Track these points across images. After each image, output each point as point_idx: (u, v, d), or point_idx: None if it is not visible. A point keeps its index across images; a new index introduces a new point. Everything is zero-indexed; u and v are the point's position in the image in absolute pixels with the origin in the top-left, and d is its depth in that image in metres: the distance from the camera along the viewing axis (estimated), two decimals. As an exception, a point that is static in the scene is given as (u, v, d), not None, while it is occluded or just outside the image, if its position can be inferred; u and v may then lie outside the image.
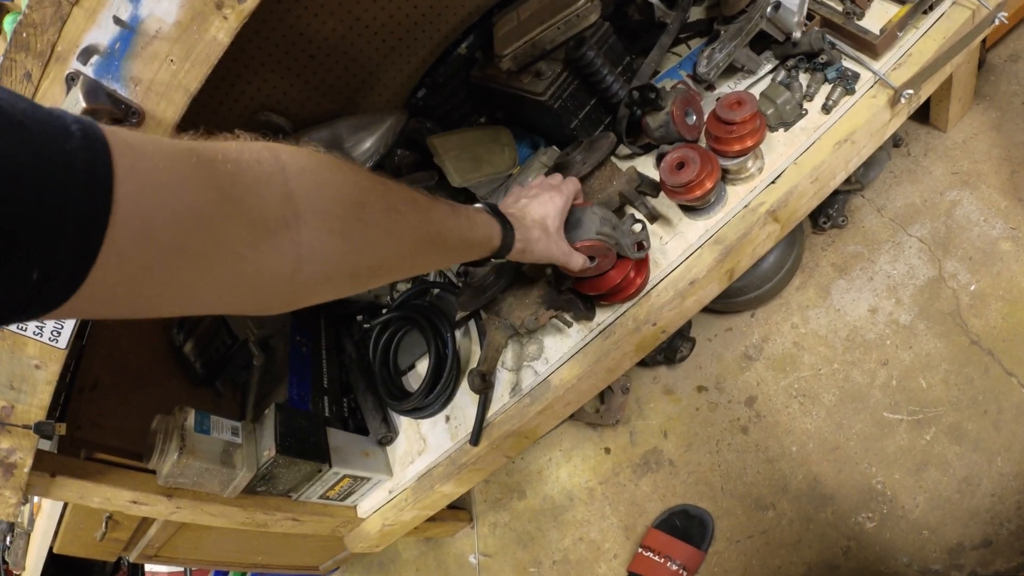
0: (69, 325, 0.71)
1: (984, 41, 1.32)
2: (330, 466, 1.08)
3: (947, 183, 1.27)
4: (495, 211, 0.79)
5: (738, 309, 1.31)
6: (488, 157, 1.20)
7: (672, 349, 1.28)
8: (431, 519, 1.29)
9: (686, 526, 1.20)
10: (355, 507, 1.23)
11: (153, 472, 0.97)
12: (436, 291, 1.22)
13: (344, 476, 1.13)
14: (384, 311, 1.25)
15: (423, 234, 0.61)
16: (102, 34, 0.55)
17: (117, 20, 0.54)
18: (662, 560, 1.19)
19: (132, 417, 1.04)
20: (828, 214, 1.28)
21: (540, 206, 0.86)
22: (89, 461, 0.95)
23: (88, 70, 0.56)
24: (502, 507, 1.42)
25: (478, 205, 0.79)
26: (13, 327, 0.68)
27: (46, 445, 0.89)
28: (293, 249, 0.44)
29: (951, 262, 1.21)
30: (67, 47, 0.56)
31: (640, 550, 1.22)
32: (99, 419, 1.01)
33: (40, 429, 0.75)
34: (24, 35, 0.54)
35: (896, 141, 1.32)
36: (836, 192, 1.27)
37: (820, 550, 1.12)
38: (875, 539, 1.09)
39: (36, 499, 1.26)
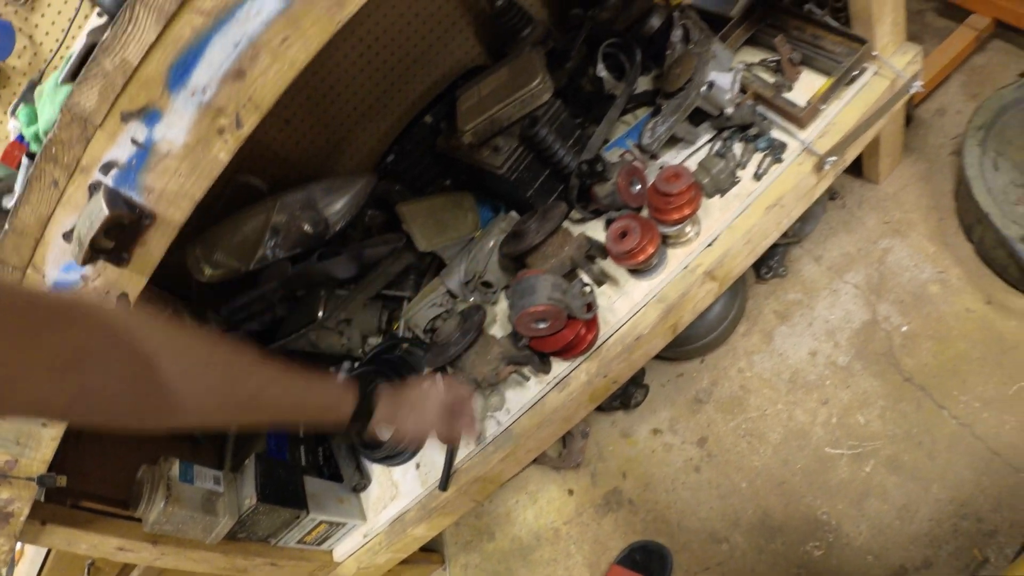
0: None
1: (912, 98, 1.49)
2: (307, 512, 1.20)
3: (880, 232, 1.43)
4: (362, 382, 0.83)
5: (688, 356, 1.46)
6: (452, 222, 1.34)
7: (627, 396, 1.42)
8: (404, 561, 1.40)
9: (646, 561, 1.33)
10: (331, 551, 1.34)
11: (137, 520, 1.07)
12: (405, 345, 1.35)
13: (321, 522, 1.24)
14: (356, 364, 1.38)
15: (234, 396, 0.65)
16: (121, 152, 0.68)
17: (134, 141, 0.67)
18: (624, 595, 1.31)
19: (115, 466, 1.14)
20: (769, 265, 1.43)
21: (422, 394, 0.91)
22: (77, 509, 1.04)
23: (108, 180, 0.69)
24: (473, 549, 1.54)
25: (341, 374, 0.86)
26: None
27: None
28: (74, 391, 0.51)
29: (884, 306, 1.36)
30: (90, 161, 0.69)
31: (603, 586, 1.34)
32: (84, 468, 1.11)
33: (43, 481, 0.86)
34: (53, 150, 0.67)
35: (832, 195, 1.49)
36: (776, 245, 1.43)
37: (772, 580, 1.25)
38: (823, 566, 1.21)
39: (19, 545, 1.35)
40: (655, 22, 1.40)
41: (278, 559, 1.25)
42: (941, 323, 1.30)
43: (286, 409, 0.72)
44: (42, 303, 0.50)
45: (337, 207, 1.38)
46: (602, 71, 1.35)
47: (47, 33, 1.03)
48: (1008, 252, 1.21)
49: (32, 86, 0.93)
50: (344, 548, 1.33)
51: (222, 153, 0.70)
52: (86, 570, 1.23)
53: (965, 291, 1.31)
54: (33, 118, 0.81)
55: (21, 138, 0.84)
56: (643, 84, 1.41)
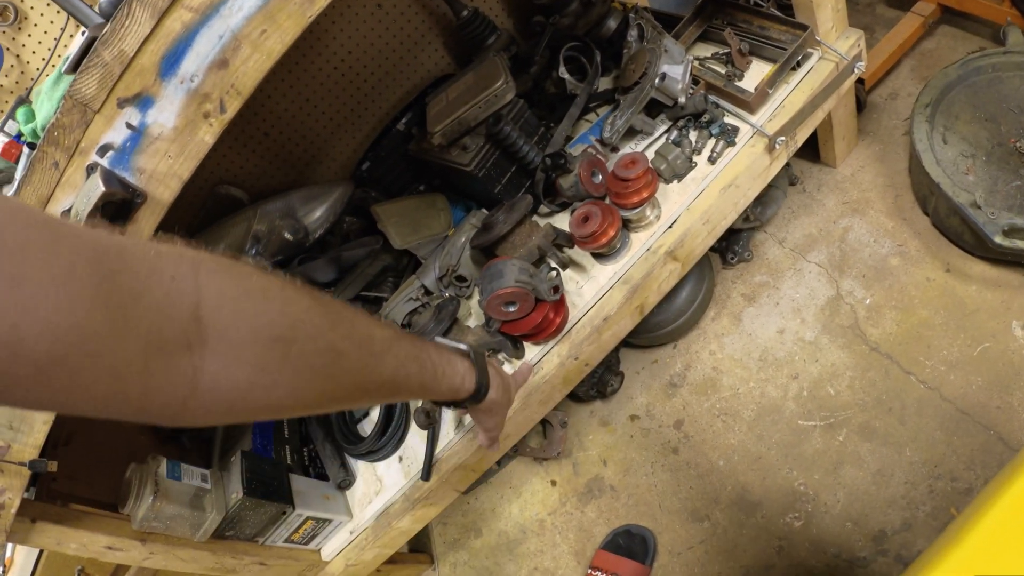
0: None
1: (864, 84, 1.59)
2: (294, 508, 1.25)
3: (839, 212, 1.51)
4: (479, 360, 0.81)
5: (661, 342, 1.53)
6: (426, 221, 1.42)
7: (603, 383, 1.48)
8: (394, 561, 1.45)
9: (629, 544, 1.38)
10: (319, 550, 1.38)
11: (127, 520, 1.13)
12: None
13: (307, 518, 1.29)
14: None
15: (367, 378, 0.60)
16: (116, 135, 0.76)
17: (129, 125, 0.75)
18: (610, 579, 1.36)
19: (104, 470, 1.18)
20: (735, 251, 1.51)
21: (511, 381, 0.92)
22: (66, 508, 1.08)
23: (104, 162, 0.77)
24: (460, 546, 1.59)
25: (462, 348, 0.81)
26: None
27: (27, 493, 1.04)
28: (191, 374, 0.43)
29: (847, 281, 1.44)
30: (88, 144, 0.76)
31: (590, 571, 1.38)
32: (73, 472, 1.16)
33: (34, 466, 0.91)
34: (56, 133, 0.75)
35: (792, 180, 1.57)
36: (739, 231, 1.51)
37: (755, 553, 1.29)
38: (804, 536, 1.26)
39: (8, 554, 1.39)
40: (612, 24, 1.50)
41: (266, 558, 1.30)
42: (903, 293, 1.37)
43: (415, 390, 0.70)
44: (143, 257, 0.42)
45: (316, 215, 1.46)
46: (564, 73, 1.44)
47: (34, 52, 1.12)
48: (961, 219, 1.29)
49: (20, 103, 1.02)
50: (332, 546, 1.37)
51: (208, 136, 0.78)
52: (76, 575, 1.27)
53: (924, 261, 1.38)
54: (31, 116, 0.90)
55: (18, 137, 0.92)
56: (604, 84, 1.51)
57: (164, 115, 0.76)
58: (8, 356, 0.34)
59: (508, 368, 1.28)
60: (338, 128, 1.60)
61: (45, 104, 0.85)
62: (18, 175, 0.84)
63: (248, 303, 0.47)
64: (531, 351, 1.27)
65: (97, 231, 0.40)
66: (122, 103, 0.73)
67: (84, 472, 1.20)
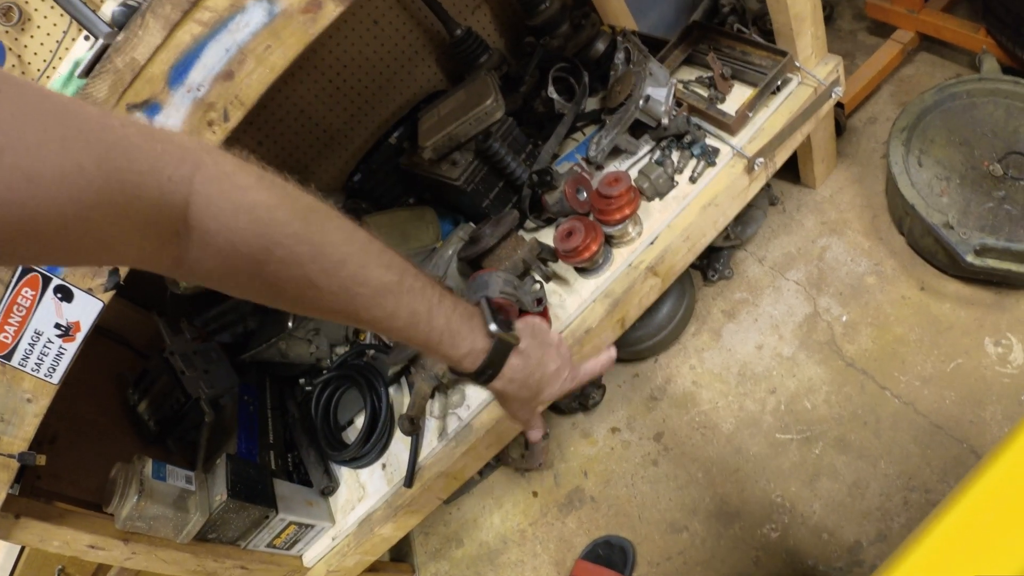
0: (65, 361, 0.91)
1: (843, 108, 1.65)
2: (277, 512, 1.27)
3: (818, 232, 1.56)
4: (498, 345, 0.72)
5: (642, 356, 1.56)
6: (415, 233, 1.47)
7: (585, 396, 1.52)
8: (375, 570, 1.47)
9: (608, 555, 1.40)
10: (301, 556, 1.40)
11: (111, 519, 1.14)
12: (372, 352, 1.45)
13: (290, 523, 1.31)
14: (325, 371, 1.48)
15: (344, 314, 0.61)
16: None
17: None
18: (589, 588, 1.38)
19: (88, 471, 1.20)
20: (716, 268, 1.56)
21: (554, 373, 0.81)
22: (50, 505, 1.09)
23: None
24: (442, 556, 1.61)
25: (492, 328, 0.72)
26: (14, 362, 0.89)
27: (11, 489, 1.03)
28: (176, 256, 0.51)
29: (824, 298, 1.48)
30: None
31: (569, 582, 1.41)
32: (58, 471, 1.17)
33: (23, 458, 0.93)
34: None
35: (772, 200, 1.62)
36: (720, 249, 1.55)
37: (733, 563, 1.32)
38: (781, 547, 1.29)
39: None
40: (600, 46, 1.55)
41: (248, 562, 1.31)
42: (879, 311, 1.42)
43: (403, 340, 0.67)
44: (148, 152, 0.47)
45: (306, 225, 1.49)
46: (553, 93, 1.49)
47: (35, 54, 1.15)
48: (935, 239, 1.33)
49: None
50: (313, 552, 1.39)
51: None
52: (57, 575, 1.28)
53: (900, 280, 1.43)
54: None
55: None
56: (591, 104, 1.55)
57: (170, 121, 0.80)
58: (23, 221, 0.39)
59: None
60: (331, 140, 1.65)
61: None
62: None
63: (231, 217, 0.51)
64: (514, 361, 1.30)
65: (109, 120, 0.45)
66: (131, 108, 0.78)
67: (69, 471, 1.21)
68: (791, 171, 1.61)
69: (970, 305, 1.36)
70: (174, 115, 0.80)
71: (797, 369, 1.43)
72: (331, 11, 0.79)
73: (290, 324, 1.46)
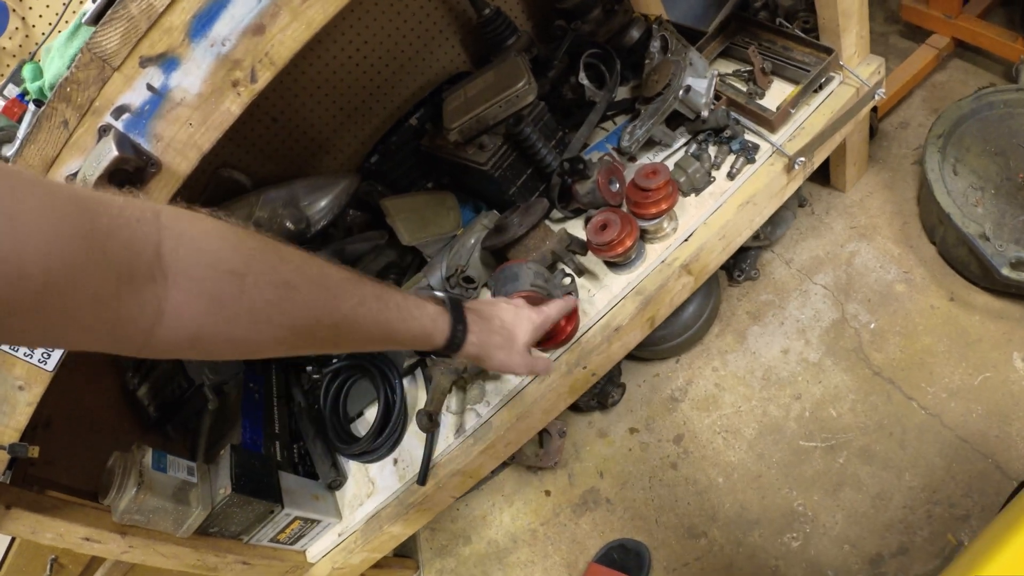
0: (59, 350, 0.82)
1: (876, 112, 1.59)
2: (282, 507, 1.19)
3: (847, 236, 1.50)
4: (454, 306, 0.78)
5: (664, 356, 1.50)
6: (435, 219, 1.38)
7: (604, 395, 1.45)
8: (378, 566, 1.39)
9: (623, 559, 1.34)
10: (305, 551, 1.32)
11: (107, 511, 1.06)
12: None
13: (295, 518, 1.23)
14: (334, 360, 1.39)
15: (324, 314, 0.60)
16: (135, 96, 0.70)
17: (150, 87, 0.68)
18: (602, 594, 1.32)
19: (84, 457, 1.12)
20: (742, 268, 1.49)
21: (514, 316, 0.86)
22: (43, 495, 1.02)
23: (119, 124, 0.70)
24: (448, 553, 1.54)
25: (437, 294, 0.79)
26: (5, 347, 0.80)
27: (2, 477, 0.96)
28: (155, 304, 0.48)
29: (852, 305, 1.42)
30: (104, 104, 0.70)
31: (581, 585, 1.35)
32: (52, 457, 1.09)
33: (14, 450, 0.84)
34: (68, 89, 0.68)
35: (801, 202, 1.56)
36: (748, 249, 1.49)
37: (751, 572, 1.26)
38: (801, 557, 1.24)
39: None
40: (635, 33, 1.47)
41: (250, 557, 1.23)
42: (907, 320, 1.36)
43: (376, 337, 0.68)
44: (111, 204, 0.47)
45: (320, 206, 1.40)
46: (584, 79, 1.41)
47: (40, 16, 1.05)
48: (968, 249, 1.28)
49: (23, 66, 0.95)
50: (318, 548, 1.31)
51: (234, 106, 0.72)
52: (49, 566, 1.19)
53: (929, 289, 1.38)
54: (38, 74, 0.83)
55: (22, 96, 0.85)
56: (622, 93, 1.48)
57: (189, 79, 0.70)
58: (10, 281, 0.38)
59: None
60: (348, 119, 1.55)
61: (56, 61, 0.78)
62: (21, 133, 0.76)
63: (204, 242, 0.51)
64: (539, 357, 1.22)
65: (72, 185, 0.47)
66: (144, 62, 0.67)
67: (63, 457, 1.13)
68: (821, 173, 1.55)
69: (1000, 319, 1.31)
70: (194, 72, 0.70)
71: (823, 375, 1.37)
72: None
73: (300, 309, 1.37)
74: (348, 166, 1.58)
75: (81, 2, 1.03)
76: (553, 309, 0.95)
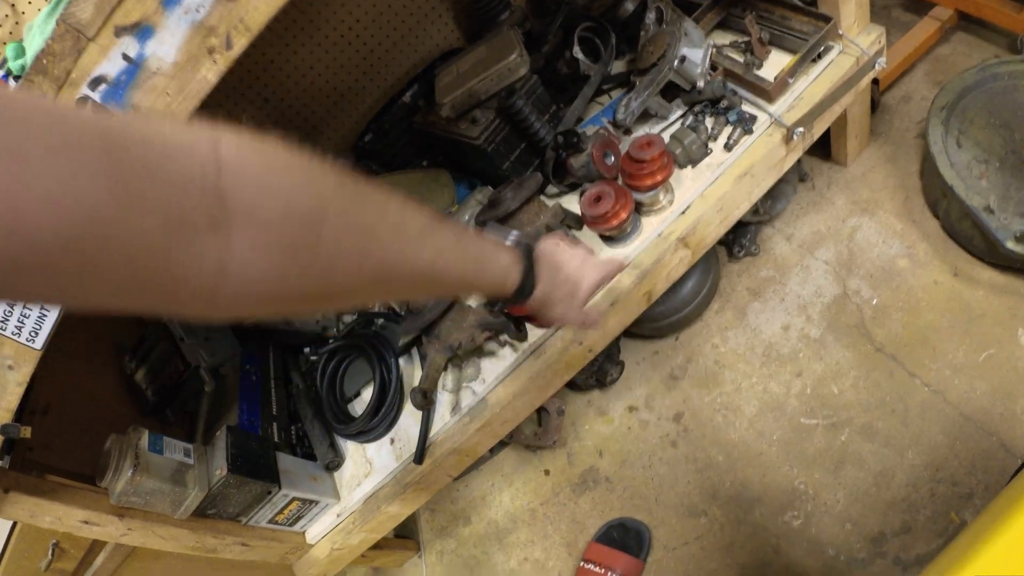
0: (48, 325, 0.81)
1: (878, 85, 1.56)
2: (279, 488, 1.19)
3: (848, 211, 1.48)
4: (527, 255, 0.74)
5: (663, 333, 1.48)
6: (429, 196, 1.37)
7: (603, 373, 1.44)
8: (379, 547, 1.39)
9: (624, 538, 1.34)
10: (304, 532, 1.32)
11: (105, 494, 1.06)
12: (380, 321, 1.36)
13: (293, 499, 1.23)
14: (331, 340, 1.38)
15: (404, 265, 0.54)
16: (111, 67, 0.69)
17: (125, 56, 0.67)
18: (603, 571, 1.31)
19: (82, 442, 1.12)
20: (742, 244, 1.47)
21: (580, 265, 0.83)
22: (42, 479, 1.02)
23: (96, 96, 0.69)
24: (448, 534, 1.53)
25: (510, 239, 0.75)
26: None
27: (1, 461, 0.97)
28: (218, 258, 0.39)
29: (854, 280, 1.41)
30: (80, 75, 0.68)
31: (582, 563, 1.34)
32: (50, 442, 1.09)
33: (6, 431, 0.84)
34: (44, 61, 0.67)
35: (802, 176, 1.54)
36: (747, 224, 1.47)
37: (752, 550, 1.26)
38: (802, 535, 1.23)
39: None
40: (629, 6, 1.45)
41: (249, 539, 1.23)
42: (910, 295, 1.35)
43: (450, 288, 0.66)
44: (152, 134, 0.37)
45: (313, 186, 1.39)
46: (578, 53, 1.39)
47: (30, 2, 1.04)
48: (972, 222, 1.26)
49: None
50: (317, 529, 1.31)
51: (210, 74, 0.71)
52: (51, 550, 1.20)
53: (932, 264, 1.36)
54: (20, 52, 0.82)
55: (5, 76, 0.84)
56: (617, 68, 1.46)
57: (164, 48, 0.68)
58: (9, 242, 0.30)
59: (508, 349, 1.23)
60: (341, 98, 1.54)
61: (36, 38, 0.77)
62: None
63: (274, 178, 0.42)
64: (535, 334, 1.22)
65: (98, 111, 0.37)
66: (119, 32, 0.66)
67: (61, 442, 1.13)
68: (822, 147, 1.53)
69: (1004, 294, 1.29)
70: (169, 40, 0.68)
71: (824, 352, 1.36)
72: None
73: (295, 290, 1.36)
74: (342, 146, 1.57)
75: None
76: (614, 266, 0.90)
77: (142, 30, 0.67)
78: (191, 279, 0.38)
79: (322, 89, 1.50)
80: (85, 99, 0.68)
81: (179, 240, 0.37)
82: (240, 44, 0.70)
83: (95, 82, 0.68)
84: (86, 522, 1.06)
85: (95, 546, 1.27)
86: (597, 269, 0.84)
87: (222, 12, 0.68)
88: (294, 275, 0.44)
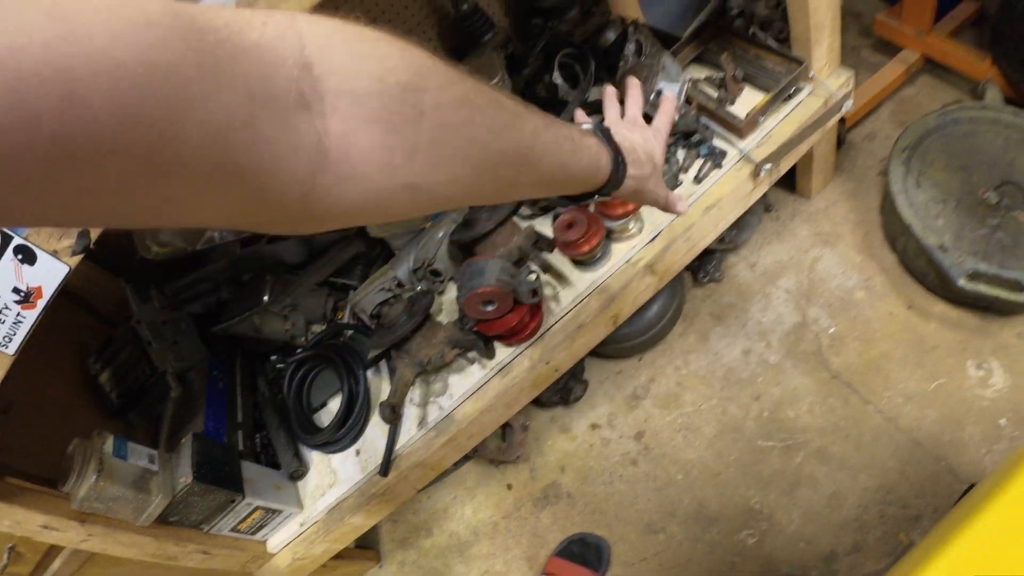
0: (22, 332, 0.82)
1: (844, 123, 1.63)
2: (244, 496, 1.20)
3: (810, 243, 1.55)
4: (606, 135, 0.68)
5: (627, 354, 1.53)
6: (405, 209, 1.39)
7: (567, 390, 1.48)
8: (340, 557, 1.41)
9: (583, 552, 1.37)
10: (265, 541, 1.33)
11: (67, 498, 1.06)
12: (350, 332, 1.38)
13: (256, 508, 1.24)
14: (300, 349, 1.40)
15: (510, 145, 0.49)
16: None
17: None
18: (562, 586, 1.35)
19: (44, 444, 1.11)
20: (707, 270, 1.53)
21: (646, 139, 0.76)
22: (1, 482, 1.01)
23: None
24: (409, 545, 1.56)
25: (585, 124, 0.69)
26: None
27: None
28: (315, 139, 0.34)
29: (813, 309, 1.47)
30: None
31: (541, 577, 1.38)
32: (10, 444, 1.08)
33: None
34: None
35: (767, 207, 1.60)
36: (713, 251, 1.52)
37: (709, 567, 1.31)
38: (758, 553, 1.29)
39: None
40: (610, 35, 1.49)
41: (210, 547, 1.24)
42: (866, 325, 1.41)
43: (553, 174, 0.57)
44: (220, 12, 0.31)
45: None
46: (558, 78, 1.43)
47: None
48: (928, 260, 1.33)
49: None
50: (279, 538, 1.33)
51: None
52: (6, 554, 1.19)
53: (888, 297, 1.43)
54: None
55: None
56: (595, 94, 1.50)
57: None
58: (65, 115, 0.23)
59: (477, 366, 1.26)
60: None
61: None
62: None
63: (363, 45, 0.38)
64: (503, 352, 1.25)
65: None
66: None
67: (23, 444, 1.12)
68: (788, 179, 1.59)
69: (956, 327, 1.36)
70: None
71: (782, 377, 1.41)
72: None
73: (266, 297, 1.38)
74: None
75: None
76: (665, 125, 0.82)
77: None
78: (285, 163, 0.33)
79: None
80: None
81: (269, 116, 0.32)
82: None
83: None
84: (46, 527, 1.05)
85: (52, 551, 1.26)
86: (659, 139, 0.79)
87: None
88: (400, 156, 0.39)
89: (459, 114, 0.42)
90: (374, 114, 0.36)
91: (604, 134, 0.67)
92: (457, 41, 1.59)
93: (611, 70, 1.47)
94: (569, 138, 0.58)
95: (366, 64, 0.37)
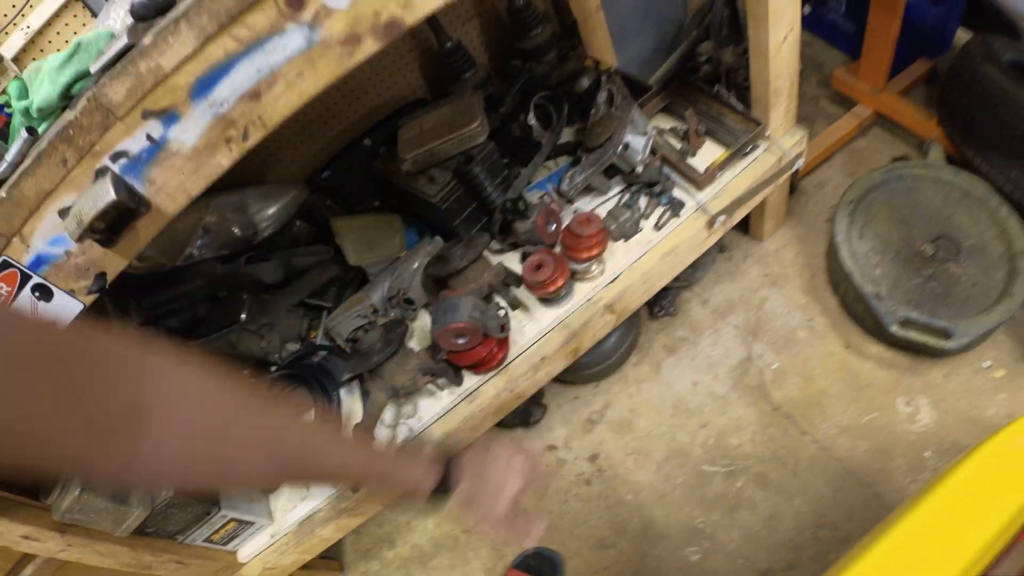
0: None
1: (797, 172, 1.76)
2: (219, 508, 1.27)
3: (760, 283, 1.68)
4: (443, 466, 0.80)
5: (585, 381, 1.65)
6: (382, 241, 1.48)
7: (527, 414, 1.59)
8: (305, 567, 1.48)
9: (539, 566, 1.48)
10: (236, 552, 1.40)
11: (46, 509, 1.10)
12: (323, 353, 1.46)
13: (231, 519, 1.31)
14: (274, 368, 1.47)
15: (299, 473, 0.68)
16: (134, 144, 0.77)
17: (149, 137, 0.76)
18: (518, 597, 1.46)
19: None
20: (662, 305, 1.65)
21: (502, 476, 0.85)
22: None
23: (116, 167, 0.77)
24: (372, 556, 1.65)
25: (428, 447, 0.82)
26: None
27: None
28: (128, 453, 0.49)
29: (759, 345, 1.60)
30: (103, 148, 0.76)
31: (497, 590, 1.48)
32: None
33: None
34: (71, 132, 0.74)
35: (721, 248, 1.72)
36: (668, 287, 1.64)
37: (655, 582, 1.42)
38: (700, 569, 1.41)
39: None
40: (585, 82, 1.58)
41: (184, 557, 1.30)
42: (807, 362, 1.55)
43: (360, 486, 0.78)
44: (91, 352, 0.48)
45: (268, 213, 1.47)
46: (532, 119, 1.52)
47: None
48: (865, 306, 1.46)
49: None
50: (249, 549, 1.39)
51: (225, 160, 0.80)
52: (-23, 562, 1.23)
53: (829, 337, 1.56)
54: (23, 93, 0.87)
55: (2, 108, 0.89)
56: (567, 135, 1.60)
57: (187, 134, 0.77)
58: None
59: (446, 392, 1.35)
60: (302, 131, 1.61)
61: (46, 84, 0.82)
62: (10, 157, 0.82)
63: (184, 403, 0.53)
64: (471, 380, 1.35)
65: (54, 327, 0.48)
66: (147, 115, 0.74)
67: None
68: (742, 222, 1.71)
69: (889, 367, 1.50)
70: (191, 128, 0.77)
71: (728, 408, 1.54)
72: (369, 47, 0.78)
73: (243, 316, 1.44)
74: (299, 176, 1.64)
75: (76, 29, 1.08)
76: (537, 473, 0.92)
77: (169, 116, 0.76)
78: (103, 467, 0.49)
79: (284, 121, 1.57)
80: (104, 169, 0.76)
81: (98, 442, 0.47)
82: (255, 137, 0.79)
83: (117, 156, 0.76)
84: (26, 537, 1.09)
85: (25, 559, 1.31)
86: (520, 476, 0.87)
87: (244, 109, 0.77)
88: (199, 466, 0.55)
89: (262, 442, 0.59)
90: (178, 448, 0.53)
91: (443, 464, 0.80)
92: (439, 75, 1.67)
93: (583, 113, 1.56)
94: (382, 472, 0.76)
95: (181, 414, 0.53)
